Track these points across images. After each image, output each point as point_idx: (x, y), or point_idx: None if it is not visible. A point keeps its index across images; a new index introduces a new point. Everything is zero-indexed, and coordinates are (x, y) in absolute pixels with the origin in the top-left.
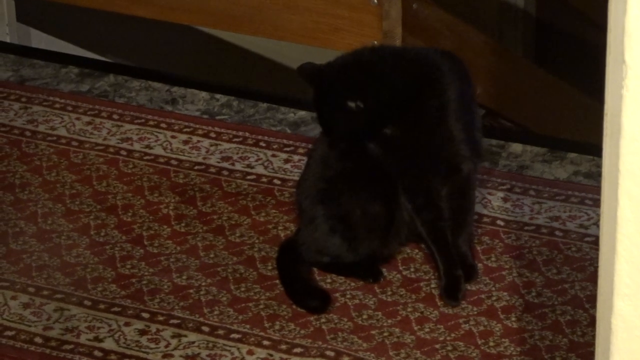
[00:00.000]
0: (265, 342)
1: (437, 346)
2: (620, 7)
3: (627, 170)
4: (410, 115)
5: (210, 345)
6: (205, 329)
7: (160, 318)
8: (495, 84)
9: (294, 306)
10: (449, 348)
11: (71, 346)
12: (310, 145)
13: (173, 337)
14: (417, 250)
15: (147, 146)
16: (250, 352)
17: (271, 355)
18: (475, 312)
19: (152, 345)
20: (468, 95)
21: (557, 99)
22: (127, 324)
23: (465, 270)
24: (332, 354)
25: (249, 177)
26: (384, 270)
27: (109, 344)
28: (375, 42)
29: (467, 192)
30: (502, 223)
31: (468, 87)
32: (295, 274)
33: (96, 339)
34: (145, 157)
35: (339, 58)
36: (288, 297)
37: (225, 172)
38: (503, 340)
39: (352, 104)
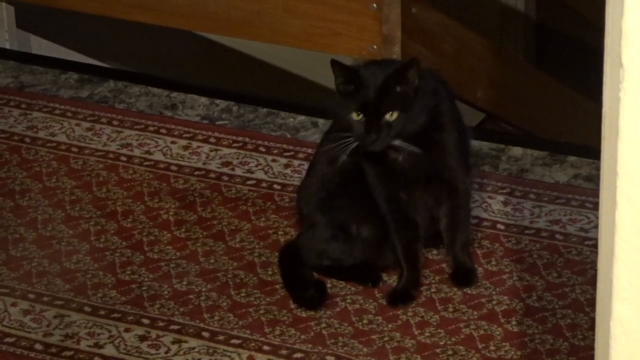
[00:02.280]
0: (266, 348)
1: (438, 350)
2: (617, 10)
3: (625, 174)
4: (422, 134)
5: (211, 350)
6: (206, 334)
7: (161, 324)
8: (495, 87)
9: (294, 311)
10: (450, 352)
11: (71, 352)
12: (310, 150)
13: (173, 343)
14: None
15: (147, 152)
16: (250, 358)
17: None
18: (476, 316)
19: (153, 351)
20: (457, 113)
21: (557, 102)
22: (127, 330)
23: (463, 275)
24: (332, 359)
25: (249, 182)
26: (383, 275)
27: (109, 350)
28: (375, 47)
29: (463, 206)
30: (502, 227)
31: (455, 106)
32: (296, 272)
33: (96, 345)
34: (145, 163)
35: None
36: (290, 296)
37: (225, 178)
38: (503, 344)
39: (413, 76)
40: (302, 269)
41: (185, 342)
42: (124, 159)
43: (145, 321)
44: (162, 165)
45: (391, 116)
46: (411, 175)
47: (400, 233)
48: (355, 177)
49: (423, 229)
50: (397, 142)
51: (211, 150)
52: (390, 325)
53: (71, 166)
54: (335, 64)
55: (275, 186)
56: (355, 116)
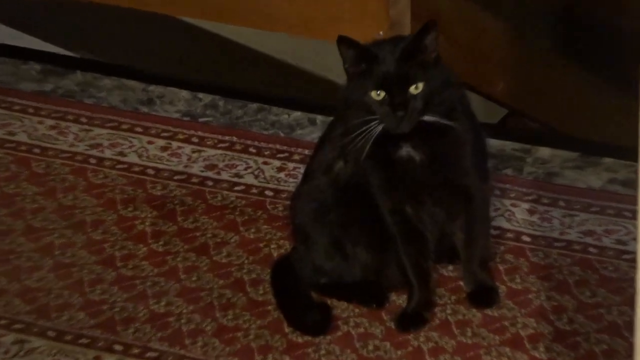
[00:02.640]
0: None
1: None
2: None
3: None
4: (434, 135)
5: None
6: None
7: (136, 351)
8: (518, 79)
9: (289, 336)
10: None
11: None
12: (307, 151)
13: None
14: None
15: (120, 153)
16: None
17: None
18: (498, 342)
19: None
20: (469, 108)
21: (590, 96)
22: (97, 358)
23: (483, 294)
24: None
25: (236, 188)
26: (391, 294)
27: None
28: (381, 33)
29: (482, 216)
30: (527, 239)
31: (467, 100)
32: (291, 290)
33: None
34: (117, 166)
35: None
36: (282, 315)
37: (209, 183)
38: None
39: (434, 39)
40: (300, 288)
41: None
42: (94, 161)
43: (118, 348)
44: (137, 169)
45: (416, 88)
46: (421, 182)
47: (408, 248)
48: (351, 190)
49: (433, 243)
50: (427, 117)
51: (193, 152)
52: (399, 352)
53: (33, 170)
54: (343, 40)
55: (267, 192)
56: (374, 95)
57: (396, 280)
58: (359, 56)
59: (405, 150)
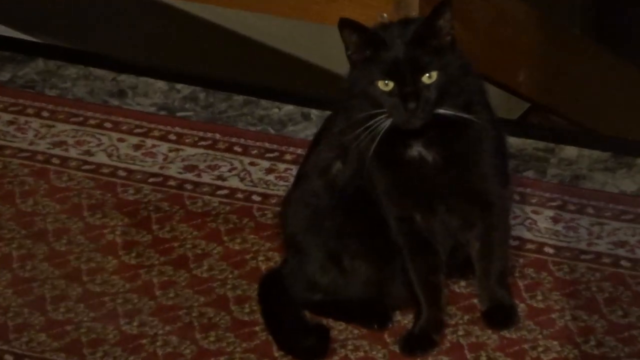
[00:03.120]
0: None
1: None
2: None
3: None
4: (450, 132)
5: None
6: None
7: None
8: (542, 69)
9: None
10: None
11: None
12: (300, 151)
13: None
14: None
15: (87, 152)
16: None
17: None
18: None
19: None
20: (487, 101)
21: (623, 88)
22: None
23: (501, 313)
24: None
25: (219, 193)
26: (395, 313)
27: None
28: (385, 15)
29: (500, 225)
30: (551, 250)
31: (485, 92)
32: (283, 310)
33: None
34: (84, 167)
35: None
36: (272, 338)
37: (188, 186)
38: None
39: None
40: (292, 306)
41: None
42: (57, 161)
43: None
44: (106, 170)
45: (430, 77)
46: (434, 187)
47: (416, 261)
48: (350, 195)
49: (444, 255)
50: (442, 111)
51: (170, 151)
52: None
53: None
54: (345, 24)
55: (254, 197)
56: (382, 85)
57: (401, 297)
58: (364, 41)
59: (417, 150)
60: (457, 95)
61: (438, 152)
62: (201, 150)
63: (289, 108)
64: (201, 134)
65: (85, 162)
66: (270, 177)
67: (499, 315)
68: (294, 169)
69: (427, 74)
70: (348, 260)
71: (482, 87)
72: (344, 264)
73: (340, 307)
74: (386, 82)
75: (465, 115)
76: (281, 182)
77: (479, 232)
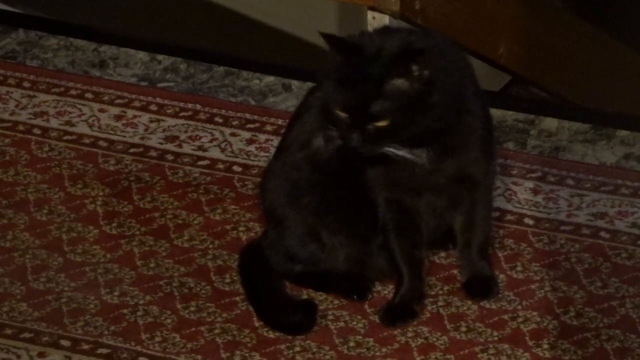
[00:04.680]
0: None
1: None
2: None
3: None
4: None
5: None
6: None
7: (85, 346)
8: (523, 41)
9: (259, 330)
10: None
11: None
12: (281, 122)
13: None
14: None
15: (68, 123)
16: None
17: None
18: (496, 338)
19: None
20: (475, 81)
21: (604, 60)
22: (41, 355)
23: (481, 284)
24: None
25: (200, 163)
26: (375, 284)
27: None
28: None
29: (484, 198)
30: (530, 222)
31: (472, 71)
32: (264, 283)
33: None
34: (65, 137)
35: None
36: (257, 316)
37: (169, 157)
38: None
39: (416, 71)
40: (273, 279)
41: None
42: (38, 131)
43: (65, 343)
44: (87, 141)
45: (380, 123)
46: (424, 176)
47: (401, 239)
48: (332, 170)
49: (427, 231)
50: (390, 150)
51: (151, 121)
52: (384, 350)
53: None
54: (326, 37)
55: (235, 168)
56: (339, 112)
57: (382, 270)
58: (335, 54)
59: (404, 151)
60: (420, 133)
61: (429, 149)
62: (182, 121)
63: (269, 79)
64: (182, 104)
65: (66, 133)
66: (251, 147)
67: (480, 286)
68: (275, 140)
69: (377, 122)
70: (327, 236)
71: (472, 76)
72: (323, 240)
73: (320, 279)
74: (342, 111)
75: (408, 156)
76: (262, 153)
77: (463, 207)
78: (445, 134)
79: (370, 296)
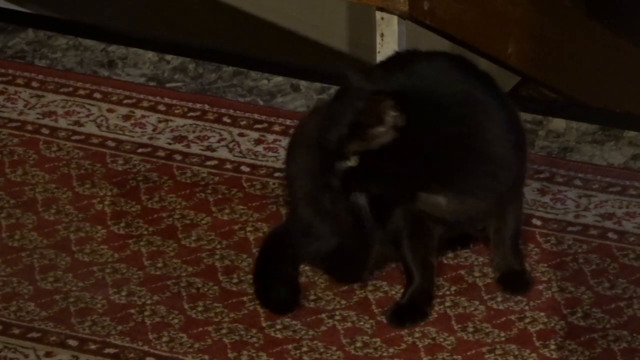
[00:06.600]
0: None
1: None
2: None
3: None
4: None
5: None
6: None
7: (92, 346)
8: (532, 41)
9: (266, 330)
10: None
11: None
12: (289, 122)
13: None
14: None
15: (76, 122)
16: None
17: None
18: (503, 338)
19: None
20: (496, 91)
21: (613, 61)
22: (48, 355)
23: (517, 279)
24: None
25: (208, 163)
26: (384, 284)
27: None
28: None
29: (514, 200)
30: (538, 222)
31: (491, 82)
32: (274, 262)
33: None
34: (73, 137)
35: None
36: (254, 289)
37: (177, 157)
38: None
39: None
40: (283, 261)
41: None
42: (46, 131)
43: (72, 343)
44: (95, 141)
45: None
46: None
47: (413, 244)
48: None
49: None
50: (358, 200)
51: (160, 121)
52: (391, 350)
53: None
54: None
55: (243, 168)
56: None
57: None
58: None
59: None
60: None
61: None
62: (190, 121)
63: (278, 79)
64: (190, 104)
65: (75, 133)
66: (259, 148)
67: (515, 280)
68: (283, 140)
69: (345, 162)
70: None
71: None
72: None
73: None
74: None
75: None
76: (270, 153)
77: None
78: (455, 177)
79: (367, 277)
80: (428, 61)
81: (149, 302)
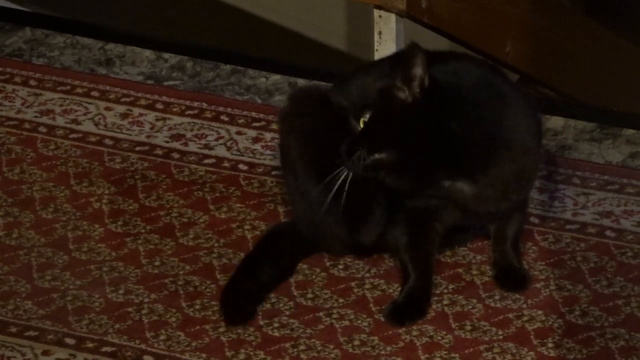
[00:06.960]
0: None
1: None
2: None
3: None
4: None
5: None
6: (149, 358)
7: (90, 345)
8: (530, 40)
9: (264, 328)
10: None
11: None
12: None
13: None
14: None
15: (74, 121)
16: None
17: None
18: (501, 337)
19: None
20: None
21: (611, 59)
22: (46, 353)
23: (515, 277)
24: None
25: (206, 161)
26: (382, 283)
27: None
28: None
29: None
30: (536, 220)
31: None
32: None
33: None
34: (71, 136)
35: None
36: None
37: (175, 155)
38: None
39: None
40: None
41: None
42: (44, 130)
43: (70, 341)
44: (93, 139)
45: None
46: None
47: (413, 244)
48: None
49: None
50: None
51: (157, 120)
52: (389, 349)
53: None
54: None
55: (240, 166)
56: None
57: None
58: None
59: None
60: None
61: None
62: (188, 119)
63: (276, 77)
64: (188, 103)
65: (72, 131)
66: (257, 146)
67: (513, 278)
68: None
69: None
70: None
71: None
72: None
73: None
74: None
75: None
76: (268, 152)
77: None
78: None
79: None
80: (448, 55)
81: (146, 300)
